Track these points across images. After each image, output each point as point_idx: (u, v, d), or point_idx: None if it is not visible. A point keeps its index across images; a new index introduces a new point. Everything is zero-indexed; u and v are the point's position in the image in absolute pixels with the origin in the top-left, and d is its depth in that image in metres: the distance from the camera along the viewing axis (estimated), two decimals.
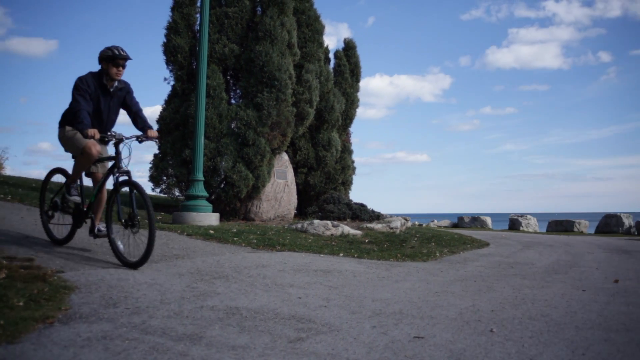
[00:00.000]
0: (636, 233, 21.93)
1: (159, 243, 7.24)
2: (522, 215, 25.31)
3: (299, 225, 10.40)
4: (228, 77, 12.63)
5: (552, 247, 12.10)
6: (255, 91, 11.76)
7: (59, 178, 6.65)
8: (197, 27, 12.20)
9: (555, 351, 3.56)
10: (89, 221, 6.21)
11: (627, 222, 22.67)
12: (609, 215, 23.69)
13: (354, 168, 15.43)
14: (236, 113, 11.64)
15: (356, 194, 64.94)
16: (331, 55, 15.58)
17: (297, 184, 13.75)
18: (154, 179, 12.14)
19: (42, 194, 6.75)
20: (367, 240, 9.87)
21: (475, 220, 25.50)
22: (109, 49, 5.97)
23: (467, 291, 5.78)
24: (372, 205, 14.38)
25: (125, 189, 5.86)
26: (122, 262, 5.65)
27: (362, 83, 16.47)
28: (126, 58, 6.00)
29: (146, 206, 5.41)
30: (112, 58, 5.94)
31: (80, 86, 5.87)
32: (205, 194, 10.27)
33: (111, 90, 6.10)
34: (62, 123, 6.14)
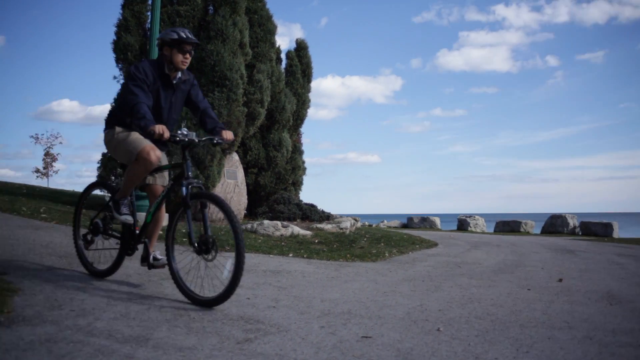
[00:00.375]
0: (580, 233, 22.53)
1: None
2: (470, 215, 25.73)
3: (249, 226, 10.39)
4: None
5: (499, 247, 12.33)
6: (206, 90, 11.70)
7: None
8: (148, 25, 12.06)
9: (500, 349, 3.64)
10: (139, 247, 5.20)
11: (572, 222, 23.27)
12: (554, 215, 24.28)
13: (305, 168, 15.49)
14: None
15: (307, 195, 64.98)
16: (283, 56, 15.62)
17: (248, 184, 13.73)
18: (102, 178, 11.97)
19: (77, 213, 5.61)
20: (316, 241, 9.92)
21: (425, 221, 25.85)
22: (173, 31, 4.88)
23: (415, 291, 5.86)
24: (323, 205, 14.47)
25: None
26: (190, 298, 4.54)
27: (314, 84, 16.59)
28: (195, 43, 4.95)
29: (232, 225, 4.35)
30: (178, 42, 4.84)
31: (137, 75, 4.72)
32: None
33: (174, 82, 5.00)
34: (110, 123, 5.03)
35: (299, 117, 15.52)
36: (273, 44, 14.15)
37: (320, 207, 13.45)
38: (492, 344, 3.78)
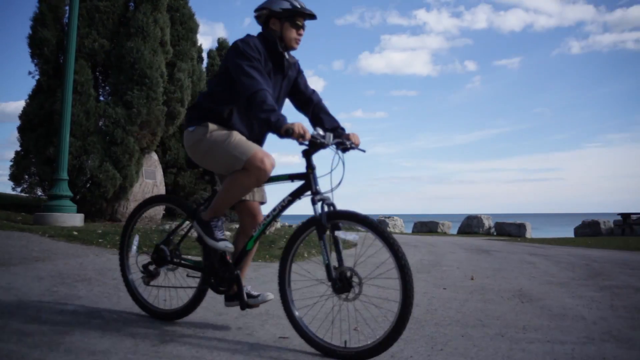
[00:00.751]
0: (495, 233, 23.25)
1: (16, 245, 6.94)
2: (389, 216, 26.13)
3: (167, 226, 10.25)
4: (97, 73, 12.29)
5: (417, 247, 12.53)
6: (125, 88, 11.51)
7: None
8: (65, 20, 11.77)
9: (415, 347, 3.70)
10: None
11: (487, 223, 23.96)
12: (470, 216, 24.97)
13: None
14: (104, 110, 11.33)
15: None
16: (205, 55, 15.51)
17: (166, 184, 13.58)
18: (15, 177, 11.61)
19: (126, 236, 4.44)
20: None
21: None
22: None
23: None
24: None
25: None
26: (325, 352, 3.51)
27: None
28: (313, 15, 3.86)
29: (395, 256, 3.38)
30: (292, 14, 3.77)
31: (250, 53, 3.63)
32: (69, 193, 9.94)
33: (284, 64, 3.91)
34: (198, 118, 3.83)
35: None
36: (195, 42, 14.05)
37: None
38: (408, 342, 3.83)
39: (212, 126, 3.74)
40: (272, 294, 4.02)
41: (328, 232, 3.65)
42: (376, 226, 3.44)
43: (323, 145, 3.62)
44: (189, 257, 4.28)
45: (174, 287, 4.26)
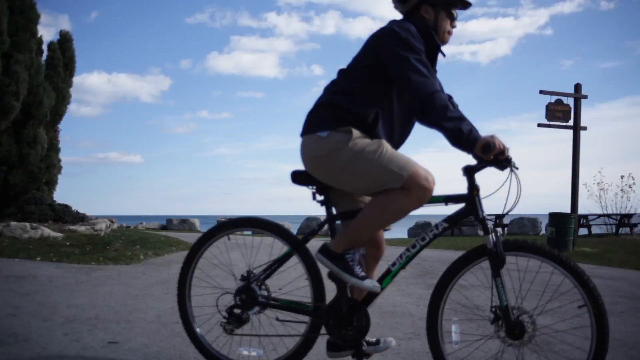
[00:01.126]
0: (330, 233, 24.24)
1: None
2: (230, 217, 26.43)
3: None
4: None
5: (254, 248, 12.76)
6: None
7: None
8: None
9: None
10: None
11: None
12: (310, 218, 25.89)
13: (61, 167, 14.94)
14: None
15: (63, 195, 61.95)
16: (45, 47, 14.97)
17: None
18: None
19: (190, 268, 3.71)
20: (68, 243, 9.64)
21: (184, 222, 26.11)
22: None
23: (168, 293, 5.91)
24: (80, 206, 14.08)
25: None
26: None
27: (78, 79, 16.16)
28: (468, 4, 3.17)
29: (590, 298, 2.68)
30: (451, 1, 3.12)
31: (415, 44, 2.92)
32: None
33: (436, 61, 3.23)
34: (334, 121, 3.02)
35: (58, 112, 14.93)
36: (34, 33, 13.53)
37: (76, 208, 13.06)
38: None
39: (355, 133, 2.97)
40: (394, 340, 3.37)
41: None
42: (565, 261, 2.75)
43: (498, 163, 2.87)
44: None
45: (264, 335, 3.46)
